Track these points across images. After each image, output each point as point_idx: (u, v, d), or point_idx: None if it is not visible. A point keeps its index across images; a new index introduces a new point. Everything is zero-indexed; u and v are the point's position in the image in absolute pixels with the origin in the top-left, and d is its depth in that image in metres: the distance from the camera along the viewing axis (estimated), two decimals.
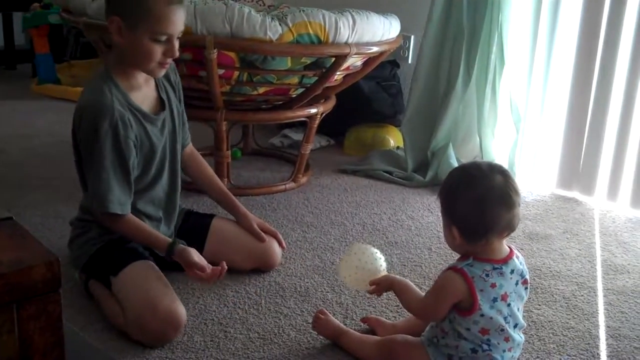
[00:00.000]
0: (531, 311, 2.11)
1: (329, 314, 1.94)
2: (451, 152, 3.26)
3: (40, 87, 4.64)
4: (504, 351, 1.66)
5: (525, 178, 3.30)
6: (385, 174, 3.28)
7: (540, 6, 3.12)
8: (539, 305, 2.16)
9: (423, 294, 1.76)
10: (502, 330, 1.64)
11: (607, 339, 1.98)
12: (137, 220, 1.98)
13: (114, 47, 1.98)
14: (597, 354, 1.91)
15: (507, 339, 1.65)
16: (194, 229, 2.24)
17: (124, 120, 1.90)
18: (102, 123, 1.86)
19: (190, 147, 2.30)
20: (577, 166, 3.13)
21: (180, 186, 2.20)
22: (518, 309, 1.69)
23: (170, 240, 1.96)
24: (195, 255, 1.93)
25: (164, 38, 1.90)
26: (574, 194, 3.16)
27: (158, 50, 1.90)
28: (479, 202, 1.61)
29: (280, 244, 2.28)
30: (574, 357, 1.89)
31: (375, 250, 1.87)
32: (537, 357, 1.88)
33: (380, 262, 1.85)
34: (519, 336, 1.70)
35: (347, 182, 3.22)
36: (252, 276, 2.24)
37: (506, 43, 3.14)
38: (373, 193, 3.10)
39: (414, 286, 1.80)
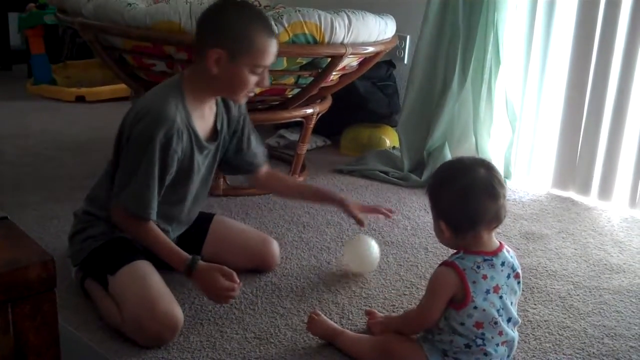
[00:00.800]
0: (527, 310, 2.11)
1: (322, 314, 1.94)
2: (447, 152, 3.26)
3: (35, 88, 4.64)
4: (497, 345, 1.67)
5: (521, 178, 3.31)
6: (381, 174, 3.28)
7: (536, 5, 3.12)
8: (535, 304, 2.16)
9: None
10: (496, 323, 1.65)
11: (603, 338, 1.98)
12: (157, 229, 1.97)
13: (195, 68, 1.99)
14: (593, 353, 1.91)
15: (501, 332, 1.66)
16: (193, 228, 2.23)
17: (179, 135, 1.92)
18: (159, 132, 1.87)
19: (265, 169, 2.30)
20: (573, 166, 3.13)
21: (197, 214, 2.22)
22: (512, 303, 1.70)
23: (188, 256, 1.91)
24: (220, 276, 1.87)
25: (261, 70, 1.95)
26: (570, 193, 3.16)
27: (254, 80, 1.96)
28: (463, 195, 1.65)
29: (385, 214, 2.26)
30: (570, 357, 1.89)
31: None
32: (534, 357, 1.88)
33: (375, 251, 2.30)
34: (512, 332, 1.70)
35: (343, 182, 3.22)
36: (248, 276, 2.24)
37: (502, 43, 3.14)
38: (369, 193, 3.10)
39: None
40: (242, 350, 1.84)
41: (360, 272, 2.30)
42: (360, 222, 2.21)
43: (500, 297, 1.66)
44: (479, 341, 1.65)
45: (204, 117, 2.03)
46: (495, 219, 1.67)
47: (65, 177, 3.08)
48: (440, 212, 1.70)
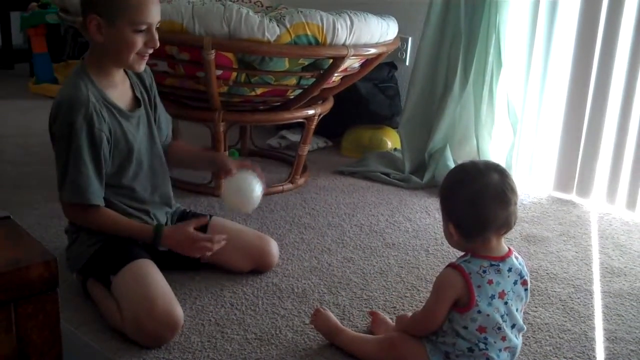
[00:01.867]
0: (528, 313, 2.11)
1: (328, 310, 1.94)
2: (448, 154, 3.26)
3: (37, 87, 4.64)
4: (500, 350, 1.67)
5: (522, 180, 3.30)
6: (382, 175, 3.28)
7: (538, 8, 3.12)
8: (536, 307, 2.16)
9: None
10: (500, 328, 1.65)
11: (603, 342, 1.99)
12: (112, 212, 2.00)
13: (91, 45, 2.01)
14: (594, 356, 1.91)
15: (504, 338, 1.66)
16: None
17: (98, 113, 1.93)
18: (77, 117, 1.90)
19: (171, 144, 2.31)
20: (574, 168, 3.13)
21: (168, 181, 2.22)
22: (517, 310, 1.70)
23: (153, 225, 1.99)
24: (189, 228, 1.98)
25: (144, 27, 1.93)
26: (571, 196, 3.16)
27: (139, 40, 1.94)
28: (474, 200, 1.64)
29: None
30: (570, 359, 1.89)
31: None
32: None
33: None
34: (515, 338, 1.70)
35: (344, 183, 3.22)
36: (249, 277, 2.24)
37: (503, 45, 3.14)
38: (370, 195, 3.10)
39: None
40: (243, 351, 1.84)
41: (237, 209, 2.21)
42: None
43: (506, 303, 1.66)
44: (482, 345, 1.65)
45: (117, 88, 2.04)
46: (505, 225, 1.67)
47: None
48: (450, 215, 1.69)
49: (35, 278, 1.05)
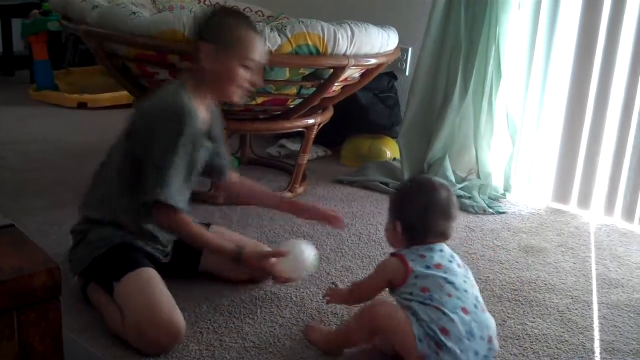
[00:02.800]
0: (525, 324, 2.12)
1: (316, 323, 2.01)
2: (447, 164, 3.28)
3: (38, 94, 4.65)
4: (457, 309, 1.75)
5: (520, 190, 3.32)
6: (381, 185, 3.29)
7: (538, 20, 3.14)
8: (534, 318, 2.17)
9: None
10: (442, 286, 1.78)
11: (601, 353, 1.99)
12: (195, 223, 2.06)
13: (193, 69, 2.09)
14: None
15: (450, 294, 1.77)
16: None
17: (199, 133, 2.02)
18: (186, 128, 1.96)
19: (236, 176, 2.40)
20: (573, 180, 3.14)
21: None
22: (465, 287, 1.81)
23: (234, 247, 2.05)
24: (262, 259, 2.07)
25: (251, 64, 2.07)
26: (570, 207, 3.17)
27: (244, 75, 2.06)
28: (425, 209, 1.90)
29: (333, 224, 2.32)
30: None
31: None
32: None
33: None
34: (480, 311, 1.78)
35: (343, 192, 3.23)
36: (247, 286, 2.25)
37: (503, 56, 3.15)
38: (369, 204, 3.10)
39: None
40: None
41: (293, 278, 2.15)
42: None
43: (445, 272, 1.81)
44: (429, 301, 1.75)
45: (201, 115, 2.09)
46: (442, 235, 1.90)
47: (67, 183, 3.09)
48: (400, 216, 1.93)
49: (38, 286, 1.06)
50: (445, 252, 1.88)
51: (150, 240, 2.11)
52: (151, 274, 1.96)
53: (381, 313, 1.80)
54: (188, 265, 2.22)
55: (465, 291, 1.79)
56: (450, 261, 1.86)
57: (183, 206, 2.00)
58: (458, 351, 1.71)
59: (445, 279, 1.80)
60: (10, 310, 1.04)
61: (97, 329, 1.94)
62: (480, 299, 1.83)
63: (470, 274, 1.88)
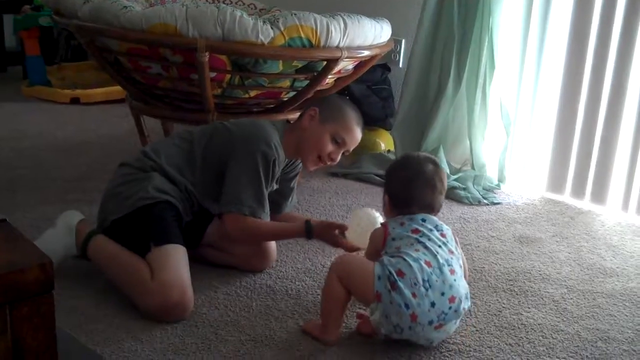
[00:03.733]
0: (521, 314, 2.12)
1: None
2: (442, 155, 3.28)
3: (30, 89, 4.63)
4: (419, 261, 1.84)
5: (515, 181, 3.32)
6: (376, 177, 3.29)
7: (531, 11, 3.14)
8: (529, 308, 2.17)
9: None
10: (412, 244, 1.90)
11: (596, 342, 2.00)
12: (267, 223, 2.23)
13: (295, 124, 2.38)
14: (587, 356, 1.92)
15: (417, 250, 1.88)
16: (196, 218, 2.31)
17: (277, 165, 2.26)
18: (272, 158, 2.21)
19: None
20: (567, 170, 3.15)
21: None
22: (445, 252, 1.90)
23: (302, 225, 2.21)
24: (332, 231, 2.21)
25: (339, 141, 2.30)
26: (564, 197, 3.17)
27: (329, 147, 2.30)
28: (408, 182, 2.03)
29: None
30: None
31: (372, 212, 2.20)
32: None
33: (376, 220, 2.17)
34: (450, 276, 1.85)
35: (338, 185, 3.23)
36: (243, 279, 2.24)
37: (496, 47, 3.15)
38: (364, 196, 3.10)
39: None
40: (237, 353, 1.84)
41: (363, 247, 2.17)
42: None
43: (421, 236, 1.91)
44: (396, 253, 1.89)
45: (281, 159, 2.29)
46: (429, 207, 2.01)
47: (59, 179, 3.08)
48: (388, 189, 2.09)
49: (31, 281, 1.05)
50: (428, 222, 1.96)
51: (186, 207, 2.25)
52: (185, 253, 2.09)
53: (348, 259, 2.00)
54: (193, 237, 2.30)
55: (436, 253, 1.88)
56: (431, 230, 1.94)
57: (263, 214, 2.20)
58: (409, 294, 1.79)
59: (417, 239, 1.91)
60: (2, 304, 1.04)
61: (89, 324, 1.93)
62: (456, 265, 1.89)
63: (453, 245, 1.95)
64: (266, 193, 2.21)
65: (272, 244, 2.34)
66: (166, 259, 2.04)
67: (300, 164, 2.46)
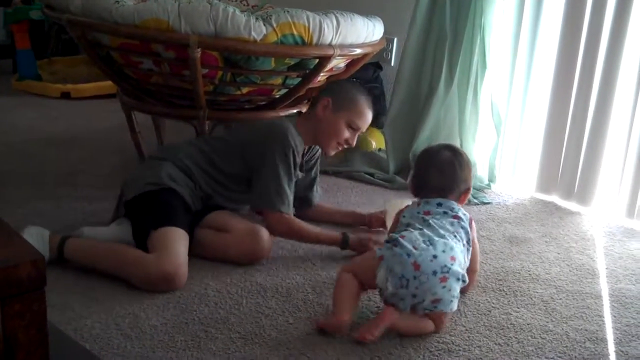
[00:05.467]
0: (510, 314, 2.13)
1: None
2: None
3: (20, 83, 4.61)
4: (422, 229, 2.01)
5: (505, 181, 3.33)
6: (367, 175, 3.29)
7: (522, 10, 3.15)
8: (518, 308, 2.18)
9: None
10: (419, 223, 2.05)
11: (584, 342, 2.00)
12: (309, 226, 2.45)
13: (308, 115, 2.57)
14: (575, 357, 1.93)
15: (422, 228, 2.02)
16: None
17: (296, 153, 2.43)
18: (290, 151, 2.38)
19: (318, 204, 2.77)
20: (557, 171, 3.16)
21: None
22: (445, 228, 2.03)
23: (339, 236, 2.44)
24: (367, 243, 2.43)
25: (354, 127, 2.50)
26: (553, 198, 3.19)
27: (345, 134, 2.49)
28: (419, 167, 2.24)
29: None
30: None
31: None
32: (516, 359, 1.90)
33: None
34: (436, 241, 1.96)
35: (328, 183, 3.22)
36: (233, 276, 2.24)
37: (488, 47, 3.16)
38: (355, 195, 3.11)
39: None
40: (227, 350, 1.84)
41: None
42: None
43: (431, 218, 2.05)
44: (404, 227, 2.08)
45: (299, 150, 2.45)
46: (439, 189, 2.15)
47: (49, 173, 3.07)
48: (412, 174, 2.28)
49: (23, 277, 1.05)
50: (444, 206, 2.10)
51: (195, 198, 2.40)
52: (185, 236, 2.21)
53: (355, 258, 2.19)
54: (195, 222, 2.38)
55: (440, 235, 1.99)
56: (445, 212, 2.09)
57: (288, 208, 2.38)
58: (411, 247, 1.92)
59: (423, 219, 2.06)
60: None
61: (80, 320, 1.93)
62: (456, 251, 1.97)
63: (463, 231, 2.06)
64: (293, 186, 2.41)
65: (266, 233, 2.34)
66: (165, 237, 2.16)
67: (318, 152, 2.66)
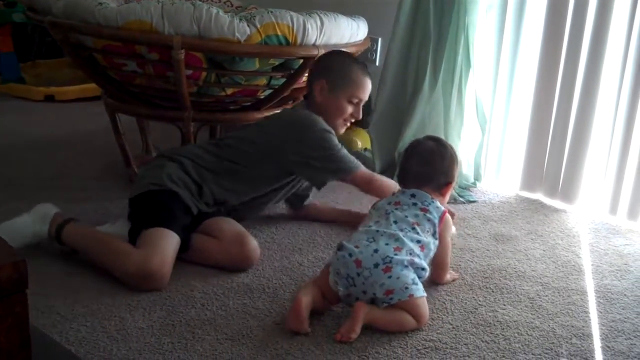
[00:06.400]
0: (496, 311, 2.14)
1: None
2: None
3: (3, 86, 4.58)
4: (371, 227, 2.07)
5: (490, 179, 3.34)
6: None
7: (506, 10, 3.16)
8: (504, 305, 2.18)
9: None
10: (380, 215, 2.12)
11: (571, 339, 2.01)
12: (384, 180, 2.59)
13: (310, 101, 2.57)
14: (562, 353, 1.94)
15: (378, 220, 2.09)
16: None
17: None
18: (328, 133, 2.47)
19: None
20: (542, 168, 3.17)
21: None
22: (407, 218, 2.09)
23: None
24: None
25: (356, 101, 2.53)
26: (538, 195, 3.20)
27: (349, 109, 2.53)
28: (403, 156, 2.28)
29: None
30: (538, 357, 1.91)
31: None
32: (503, 357, 1.90)
33: None
34: (399, 230, 2.04)
35: None
36: (220, 277, 2.24)
37: (472, 46, 3.16)
38: (341, 194, 3.10)
39: None
40: (214, 352, 1.84)
41: None
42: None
43: (395, 209, 2.11)
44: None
45: None
46: (418, 178, 2.19)
47: (33, 176, 3.05)
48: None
49: (3, 279, 1.04)
50: (416, 197, 2.14)
51: (198, 200, 2.40)
52: (174, 238, 2.21)
53: None
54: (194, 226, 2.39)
55: (395, 222, 2.06)
56: (415, 204, 2.13)
57: (359, 165, 2.53)
58: (352, 246, 1.98)
59: (386, 210, 2.12)
60: None
61: (64, 324, 1.92)
62: (404, 241, 2.00)
63: (428, 224, 2.10)
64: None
65: (253, 240, 2.33)
66: (153, 236, 2.18)
67: None
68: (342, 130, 2.61)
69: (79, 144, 3.60)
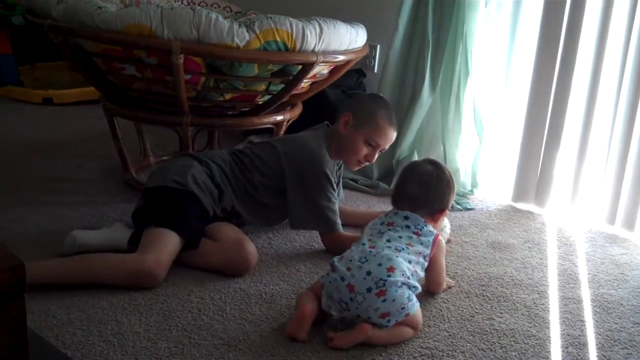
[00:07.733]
0: (493, 319, 2.14)
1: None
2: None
3: (2, 89, 4.57)
4: (364, 245, 2.05)
5: (488, 188, 3.34)
6: (350, 181, 3.29)
7: (504, 18, 3.17)
8: (501, 313, 2.19)
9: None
10: (373, 234, 2.11)
11: (567, 347, 2.01)
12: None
13: (333, 129, 2.63)
14: None
15: (371, 239, 2.08)
16: None
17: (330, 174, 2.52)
18: (327, 172, 2.48)
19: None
20: (536, 177, 3.15)
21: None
22: (404, 245, 2.06)
23: None
24: None
25: (374, 144, 2.54)
26: (534, 205, 3.18)
27: (365, 150, 2.54)
28: (399, 178, 2.30)
29: None
30: None
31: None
32: None
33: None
34: (388, 248, 2.02)
35: None
36: (217, 282, 2.23)
37: (471, 54, 3.17)
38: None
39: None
40: (211, 357, 1.83)
41: None
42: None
43: (389, 230, 2.10)
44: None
45: (330, 165, 2.53)
46: (412, 200, 2.17)
47: (31, 180, 3.05)
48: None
49: (2, 283, 1.04)
50: (409, 220, 2.13)
51: (217, 205, 2.44)
52: (177, 240, 2.23)
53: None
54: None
55: (388, 240, 2.05)
56: (409, 227, 2.11)
57: (340, 226, 2.52)
58: (344, 269, 1.96)
59: (379, 230, 2.11)
60: None
61: (61, 327, 1.91)
62: (396, 261, 1.96)
63: (421, 246, 2.08)
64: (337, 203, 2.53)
65: (251, 244, 2.35)
66: (157, 236, 2.20)
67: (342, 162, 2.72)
68: (355, 169, 2.68)
69: (77, 148, 3.60)
